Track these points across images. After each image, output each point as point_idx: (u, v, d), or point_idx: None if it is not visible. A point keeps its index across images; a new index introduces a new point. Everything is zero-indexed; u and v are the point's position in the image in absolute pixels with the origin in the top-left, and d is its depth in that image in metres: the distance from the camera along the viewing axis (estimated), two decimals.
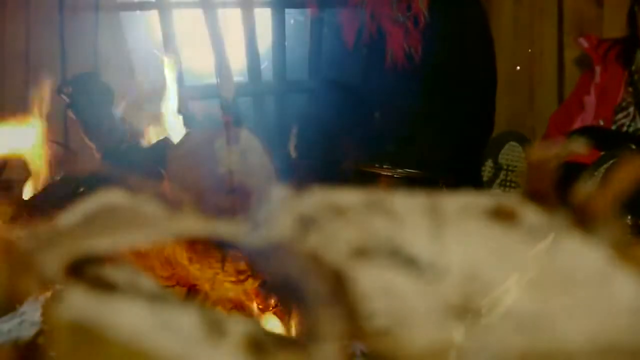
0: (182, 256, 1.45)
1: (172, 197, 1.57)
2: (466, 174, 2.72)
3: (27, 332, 1.07)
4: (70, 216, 0.50)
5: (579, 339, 0.51)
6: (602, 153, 2.43)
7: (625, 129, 2.76)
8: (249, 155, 1.75)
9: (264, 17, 2.95)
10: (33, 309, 1.15)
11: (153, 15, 2.83)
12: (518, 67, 3.37)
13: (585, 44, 2.93)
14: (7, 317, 1.14)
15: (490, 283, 0.52)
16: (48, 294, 1.01)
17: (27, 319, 1.11)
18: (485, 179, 2.80)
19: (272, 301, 1.41)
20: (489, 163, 2.81)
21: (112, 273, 0.48)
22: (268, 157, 1.81)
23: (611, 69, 2.82)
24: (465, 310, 0.51)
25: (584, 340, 0.51)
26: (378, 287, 0.49)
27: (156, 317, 0.45)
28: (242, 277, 1.41)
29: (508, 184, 2.79)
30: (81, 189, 1.63)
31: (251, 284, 1.42)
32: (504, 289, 0.53)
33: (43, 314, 1.15)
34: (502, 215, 0.53)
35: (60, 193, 1.66)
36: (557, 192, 0.56)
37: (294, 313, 1.34)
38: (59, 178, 1.83)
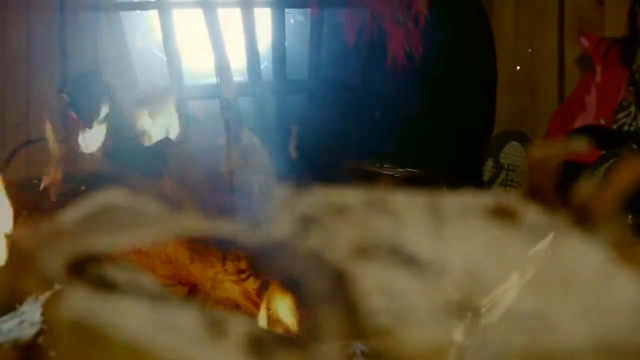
0: (183, 255, 1.45)
1: (173, 196, 1.58)
2: (467, 173, 2.72)
3: (27, 332, 1.07)
4: (71, 215, 0.50)
5: (579, 338, 0.51)
6: (603, 152, 2.43)
7: (626, 128, 2.76)
8: (250, 154, 1.75)
9: (264, 17, 2.95)
10: (33, 309, 1.15)
11: (153, 15, 2.83)
12: (518, 67, 3.37)
13: (585, 43, 2.93)
14: (7, 317, 1.14)
15: (491, 282, 0.52)
16: (48, 293, 1.02)
17: (27, 319, 1.11)
18: (486, 178, 2.80)
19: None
20: (490, 162, 2.81)
21: (113, 272, 0.48)
22: (268, 157, 1.81)
23: (612, 68, 2.82)
24: (466, 309, 0.51)
25: (584, 340, 0.51)
26: (378, 286, 0.49)
27: (157, 316, 0.45)
28: (243, 276, 1.41)
29: (509, 183, 2.79)
30: (82, 188, 1.63)
31: (252, 283, 1.42)
32: (504, 288, 0.53)
33: (43, 314, 1.15)
34: (503, 215, 0.53)
35: (61, 192, 1.66)
36: (558, 191, 0.56)
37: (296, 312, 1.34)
38: (59, 177, 1.83)
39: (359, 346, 0.79)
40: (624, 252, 0.52)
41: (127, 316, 0.45)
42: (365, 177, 2.46)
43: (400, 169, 2.48)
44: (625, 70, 2.80)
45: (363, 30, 2.80)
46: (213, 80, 2.65)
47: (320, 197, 0.51)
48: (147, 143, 1.95)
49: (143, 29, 2.96)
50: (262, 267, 1.38)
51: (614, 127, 2.77)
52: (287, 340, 0.49)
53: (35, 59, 2.77)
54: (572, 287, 0.51)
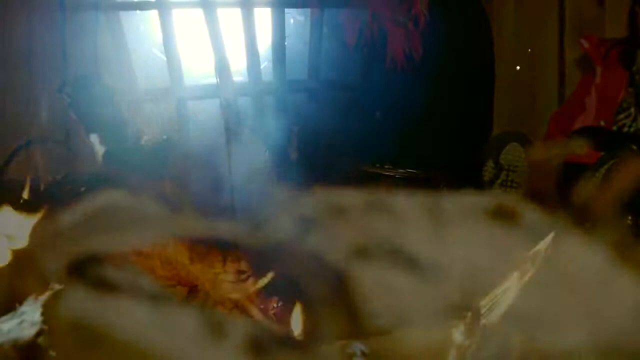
0: (183, 256, 1.45)
1: (173, 197, 1.57)
2: (467, 174, 2.73)
3: (27, 332, 1.06)
4: (71, 216, 0.50)
5: (579, 338, 0.51)
6: (603, 153, 2.43)
7: (626, 129, 2.76)
8: (250, 155, 1.75)
9: (264, 17, 2.95)
10: (33, 309, 1.15)
11: (153, 15, 2.83)
12: (518, 67, 3.37)
13: (586, 44, 2.93)
14: (7, 317, 1.14)
15: (491, 282, 0.52)
16: (48, 293, 1.02)
17: (27, 319, 1.11)
18: (486, 179, 2.80)
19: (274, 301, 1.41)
20: (490, 163, 2.81)
21: (113, 273, 0.48)
22: (268, 157, 1.81)
23: (612, 69, 2.82)
24: (466, 309, 0.51)
25: (584, 340, 0.51)
26: (379, 286, 0.49)
27: (157, 317, 0.45)
28: (243, 277, 1.41)
29: (509, 184, 2.79)
30: (82, 189, 1.63)
31: (252, 284, 1.42)
32: (504, 288, 0.53)
33: (43, 314, 1.15)
34: (503, 215, 0.53)
35: (62, 193, 1.65)
36: (557, 192, 0.56)
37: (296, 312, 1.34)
38: (60, 178, 1.83)
39: (359, 346, 0.79)
40: (624, 252, 0.52)
41: (127, 316, 0.45)
42: (365, 178, 2.46)
43: (400, 170, 2.48)
44: (625, 72, 2.80)
45: (363, 31, 2.80)
46: (213, 80, 2.65)
47: (321, 197, 0.51)
48: (147, 144, 1.94)
49: (143, 29, 2.96)
50: (262, 267, 1.38)
51: (614, 128, 2.77)
52: (287, 341, 0.49)
53: (36, 59, 2.77)
54: (572, 288, 0.51)
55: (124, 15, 2.81)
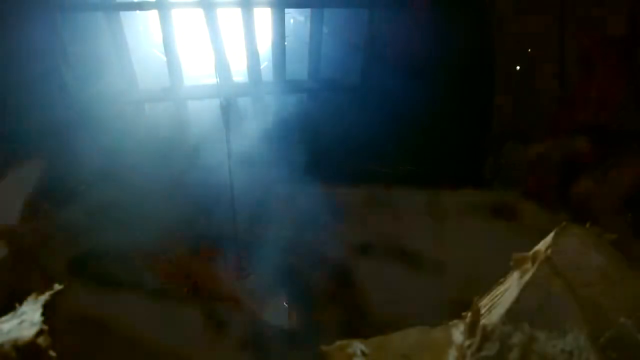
0: (185, 253, 1.45)
1: (173, 195, 1.58)
2: (468, 171, 2.73)
3: (27, 332, 1.07)
4: (72, 213, 0.50)
5: (579, 336, 0.51)
6: (603, 152, 2.43)
7: (626, 127, 2.76)
8: (249, 154, 1.75)
9: (264, 17, 2.95)
10: (33, 309, 1.15)
11: (153, 15, 2.83)
12: (518, 67, 3.37)
13: (586, 42, 2.93)
14: (7, 317, 1.14)
15: (491, 281, 0.52)
16: (48, 293, 1.02)
17: (27, 319, 1.11)
18: (486, 177, 2.81)
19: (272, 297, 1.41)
20: (490, 161, 2.82)
21: (114, 270, 0.48)
22: (268, 156, 1.81)
23: (612, 67, 2.83)
24: (466, 309, 0.51)
25: (584, 338, 0.51)
26: (379, 284, 0.49)
27: (158, 314, 0.45)
28: (243, 273, 1.42)
29: (509, 182, 2.79)
30: (83, 187, 1.63)
31: (252, 281, 1.42)
32: (504, 289, 0.53)
33: (44, 314, 1.15)
34: (503, 213, 0.54)
35: (63, 191, 1.66)
36: (558, 190, 0.56)
37: (295, 310, 1.34)
38: (61, 176, 1.83)
39: (359, 346, 0.79)
40: (624, 251, 0.53)
41: (128, 314, 0.46)
42: (366, 176, 2.46)
43: (401, 168, 2.49)
44: (625, 70, 2.81)
45: (363, 30, 2.81)
46: (213, 80, 2.65)
47: (322, 195, 0.51)
48: (147, 143, 1.95)
49: (143, 29, 2.96)
50: (262, 265, 1.39)
51: (614, 126, 2.77)
52: (287, 338, 0.49)
53: (36, 59, 2.77)
54: (572, 286, 0.51)
55: (124, 15, 2.82)
